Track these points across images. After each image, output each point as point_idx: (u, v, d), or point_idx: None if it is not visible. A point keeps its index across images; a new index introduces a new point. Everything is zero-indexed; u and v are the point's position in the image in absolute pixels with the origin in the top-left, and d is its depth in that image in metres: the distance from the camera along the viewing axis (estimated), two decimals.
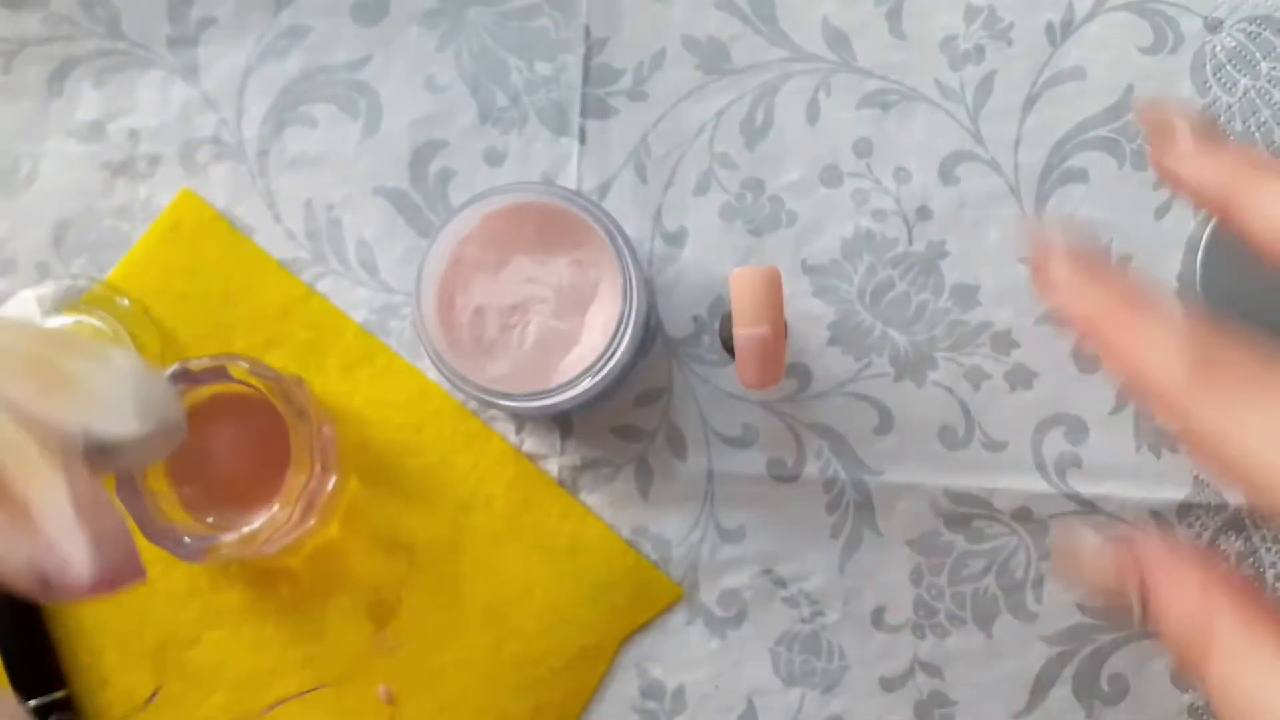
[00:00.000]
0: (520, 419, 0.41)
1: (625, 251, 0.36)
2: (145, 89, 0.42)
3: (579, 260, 0.38)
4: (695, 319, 0.41)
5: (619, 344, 0.36)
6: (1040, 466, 0.40)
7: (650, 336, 0.41)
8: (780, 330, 0.34)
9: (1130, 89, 0.41)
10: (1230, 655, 0.24)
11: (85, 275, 0.41)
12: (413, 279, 0.41)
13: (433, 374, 0.41)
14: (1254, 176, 0.26)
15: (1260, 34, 0.41)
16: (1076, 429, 0.40)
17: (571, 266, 0.38)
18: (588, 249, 0.38)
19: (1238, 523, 0.40)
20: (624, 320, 0.36)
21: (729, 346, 0.35)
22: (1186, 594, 0.25)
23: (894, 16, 0.41)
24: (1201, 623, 0.25)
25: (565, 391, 0.36)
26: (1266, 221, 0.25)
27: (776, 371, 0.35)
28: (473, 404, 0.40)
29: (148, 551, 0.39)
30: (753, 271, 0.34)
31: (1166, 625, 0.25)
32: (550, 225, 0.38)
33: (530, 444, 0.41)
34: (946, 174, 0.41)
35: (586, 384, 0.36)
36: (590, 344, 0.37)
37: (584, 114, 0.41)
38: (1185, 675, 0.27)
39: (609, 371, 0.36)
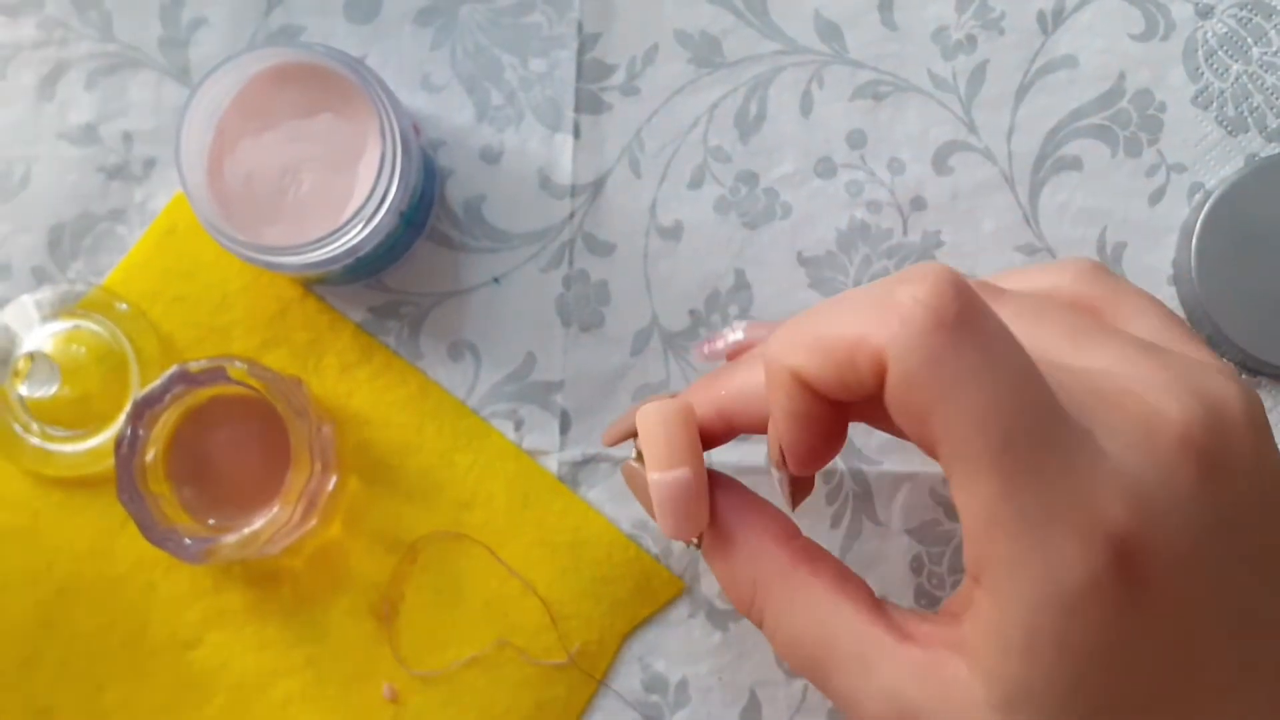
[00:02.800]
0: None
1: (381, 95, 0.36)
2: (138, 91, 0.42)
3: (343, 115, 0.38)
4: (691, 312, 0.41)
5: (388, 186, 0.36)
6: None
7: (428, 204, 0.40)
8: (702, 471, 0.30)
9: (1122, 76, 0.41)
10: (777, 601, 0.29)
11: (82, 280, 0.41)
12: (412, 278, 0.41)
13: (432, 373, 0.41)
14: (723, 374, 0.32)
15: (1251, 19, 0.41)
16: None
17: (337, 121, 0.38)
18: (352, 104, 0.38)
19: None
20: (383, 159, 0.36)
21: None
22: (735, 544, 0.31)
23: (886, 8, 0.41)
24: (748, 575, 0.30)
25: (340, 238, 0.36)
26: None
27: (701, 517, 0.30)
28: (251, 258, 0.38)
29: (150, 554, 0.40)
30: (665, 406, 0.30)
31: (720, 577, 0.31)
32: (310, 85, 0.38)
33: (530, 440, 0.41)
34: (940, 164, 0.41)
35: (359, 229, 0.36)
36: (364, 196, 0.37)
37: (578, 110, 0.41)
38: (744, 615, 0.31)
39: (381, 220, 0.36)
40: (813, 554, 0.30)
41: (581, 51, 0.41)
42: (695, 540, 0.31)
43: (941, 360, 0.24)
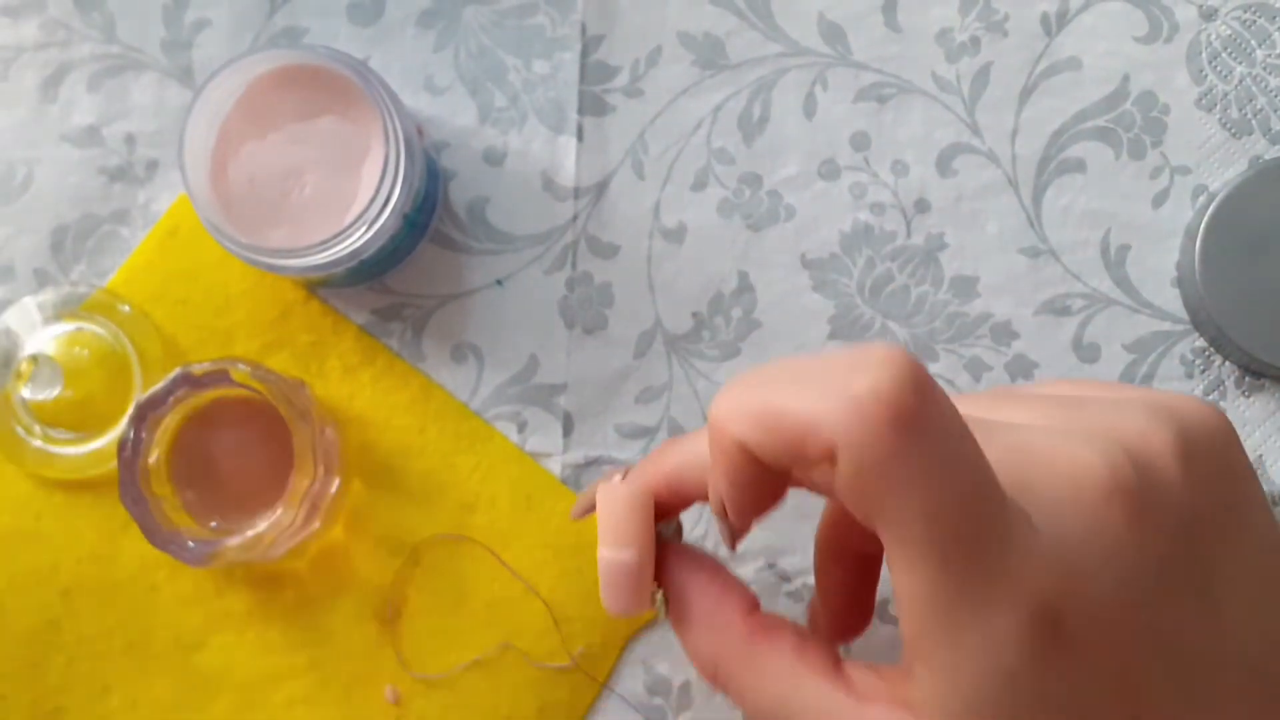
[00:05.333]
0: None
1: (384, 98, 0.36)
2: (140, 92, 0.42)
3: (346, 117, 0.38)
4: (694, 315, 0.41)
5: (391, 188, 0.36)
6: None
7: (431, 206, 0.40)
8: (649, 554, 0.31)
9: (1126, 78, 0.41)
10: (739, 675, 0.29)
11: (85, 282, 0.41)
12: (415, 280, 0.41)
13: (435, 375, 0.41)
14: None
15: (1255, 21, 0.41)
16: None
17: (340, 123, 0.38)
18: (355, 106, 0.38)
19: None
20: (387, 161, 0.36)
21: None
22: (694, 617, 0.31)
23: (889, 10, 0.41)
24: (709, 649, 0.30)
25: (343, 241, 0.36)
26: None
27: (643, 598, 0.31)
28: (254, 260, 0.38)
29: (153, 557, 0.40)
30: (621, 488, 0.31)
31: (682, 637, 0.31)
32: (314, 87, 0.38)
33: (533, 443, 0.41)
34: (944, 166, 0.41)
35: (362, 232, 0.36)
36: (368, 199, 0.37)
37: (581, 111, 0.41)
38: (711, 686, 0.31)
39: (385, 222, 0.36)
40: (770, 625, 0.30)
41: (585, 53, 0.41)
42: (661, 607, 0.32)
43: (894, 459, 0.24)
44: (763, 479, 0.27)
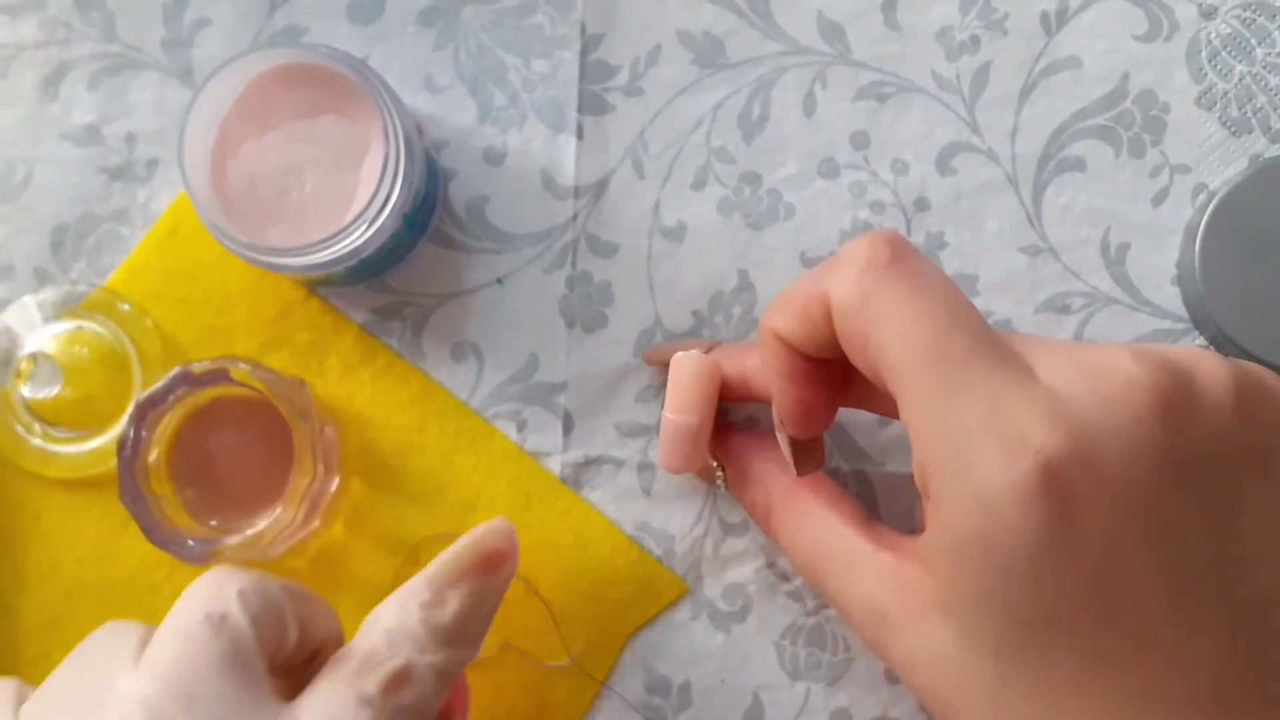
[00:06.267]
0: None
1: (384, 96, 0.36)
2: (140, 91, 0.42)
3: (346, 116, 0.38)
4: (694, 313, 0.41)
5: (391, 187, 0.36)
6: None
7: (431, 205, 0.40)
8: (708, 423, 0.36)
9: (1126, 77, 0.41)
10: (784, 517, 0.35)
11: (85, 281, 0.41)
12: (415, 279, 0.41)
13: (434, 374, 0.41)
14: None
15: (1255, 20, 0.41)
16: None
17: (340, 122, 0.38)
18: (355, 105, 0.38)
19: None
20: (387, 160, 0.36)
21: None
22: (751, 474, 0.37)
23: (889, 8, 0.41)
24: (762, 498, 0.36)
25: (343, 239, 0.36)
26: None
27: (695, 460, 0.36)
28: (254, 259, 0.38)
29: (153, 556, 0.40)
30: (693, 359, 0.35)
31: (740, 497, 0.38)
32: (314, 86, 0.38)
33: (533, 442, 0.41)
34: (944, 165, 0.41)
35: (362, 231, 0.36)
36: (367, 198, 0.37)
37: (581, 110, 0.41)
38: (765, 533, 0.37)
39: (384, 221, 0.36)
40: (812, 480, 0.35)
41: (584, 52, 0.41)
42: (720, 478, 0.37)
43: (872, 293, 0.28)
44: (804, 371, 0.32)
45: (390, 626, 0.32)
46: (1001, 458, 0.26)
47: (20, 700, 0.31)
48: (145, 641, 0.31)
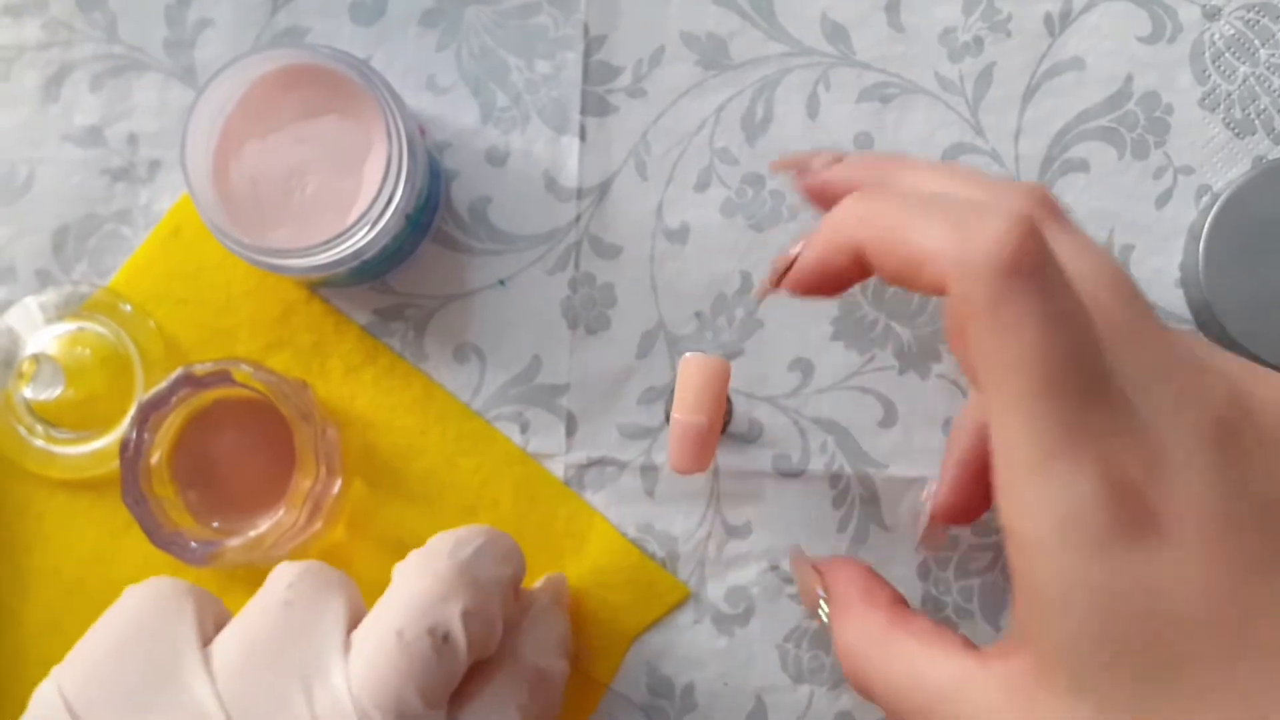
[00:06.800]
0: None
1: (386, 97, 0.36)
2: (142, 92, 0.42)
3: (349, 117, 0.38)
4: (697, 315, 0.41)
5: (393, 188, 0.36)
6: None
7: (433, 206, 0.40)
8: (717, 423, 0.36)
9: (1130, 78, 0.41)
10: (845, 629, 0.32)
11: (87, 282, 0.41)
12: (417, 280, 0.41)
13: (437, 375, 0.41)
14: (891, 161, 0.33)
15: (1259, 21, 0.41)
16: None
17: (342, 123, 0.38)
18: (357, 106, 0.38)
19: None
20: (389, 161, 0.36)
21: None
22: (853, 616, 0.33)
23: (892, 9, 0.41)
24: (859, 635, 0.32)
25: (345, 240, 0.36)
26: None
27: (704, 460, 0.36)
28: (256, 260, 0.38)
29: (155, 557, 0.39)
30: (702, 361, 0.35)
31: (839, 643, 0.33)
32: (316, 87, 0.37)
33: (536, 444, 0.41)
34: None
35: (364, 232, 0.36)
36: (370, 199, 0.37)
37: (584, 112, 0.41)
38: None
39: (387, 222, 0.36)
40: (908, 614, 0.32)
41: (587, 53, 0.41)
42: (826, 614, 0.34)
43: (1001, 302, 0.26)
44: (851, 276, 0.30)
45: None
46: (1092, 489, 0.25)
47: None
48: (220, 619, 0.32)
